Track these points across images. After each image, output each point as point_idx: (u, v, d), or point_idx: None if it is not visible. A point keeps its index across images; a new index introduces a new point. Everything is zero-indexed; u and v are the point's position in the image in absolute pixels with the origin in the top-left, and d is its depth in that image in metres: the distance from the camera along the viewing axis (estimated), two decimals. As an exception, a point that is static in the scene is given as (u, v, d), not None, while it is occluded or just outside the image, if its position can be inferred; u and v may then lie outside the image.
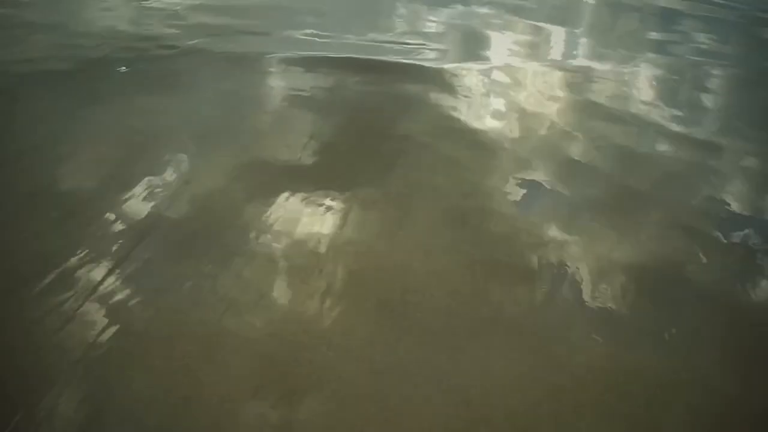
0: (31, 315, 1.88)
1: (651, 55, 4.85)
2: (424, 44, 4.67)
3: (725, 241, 2.62)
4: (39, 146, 2.79)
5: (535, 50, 4.91)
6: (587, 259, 2.39)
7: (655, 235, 2.62)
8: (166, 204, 2.45)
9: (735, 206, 2.88)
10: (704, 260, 2.50)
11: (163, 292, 2.04)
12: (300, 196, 2.58)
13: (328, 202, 2.56)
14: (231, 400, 1.68)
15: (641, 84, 4.27)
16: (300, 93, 3.55)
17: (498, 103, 3.75)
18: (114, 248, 2.18)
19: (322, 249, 2.29)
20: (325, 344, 1.89)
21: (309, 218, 2.46)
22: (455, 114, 3.51)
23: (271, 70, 3.84)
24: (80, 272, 2.05)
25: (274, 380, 1.76)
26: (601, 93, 4.01)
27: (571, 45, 5.13)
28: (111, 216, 2.35)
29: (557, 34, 5.29)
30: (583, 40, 5.22)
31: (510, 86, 4.03)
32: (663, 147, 3.38)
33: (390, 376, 1.81)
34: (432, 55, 4.44)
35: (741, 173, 3.22)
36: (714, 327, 2.15)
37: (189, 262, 2.17)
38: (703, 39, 5.41)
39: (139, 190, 2.52)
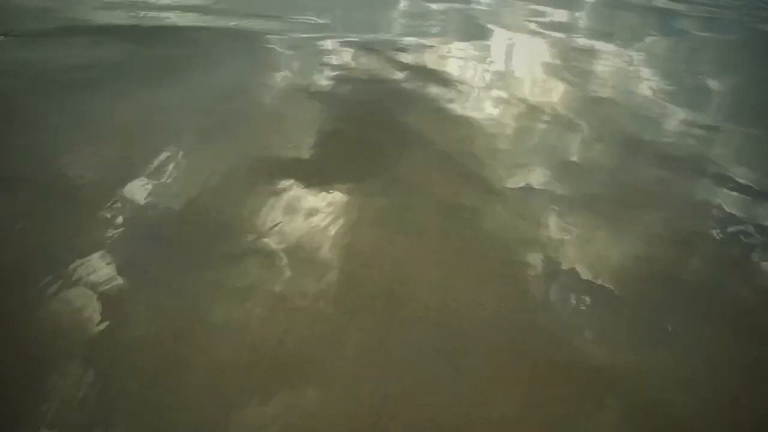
0: (30, 310, 1.86)
1: (650, 52, 4.85)
2: (425, 27, 4.71)
3: (725, 239, 2.62)
4: (38, 139, 2.75)
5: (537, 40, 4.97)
6: (584, 256, 2.39)
7: (654, 232, 2.62)
8: (166, 199, 2.43)
9: (733, 204, 2.88)
10: (705, 259, 2.51)
11: (162, 287, 2.02)
12: (299, 189, 2.56)
13: (325, 195, 2.55)
14: (226, 396, 1.67)
15: (639, 82, 4.28)
16: (300, 81, 3.51)
17: (498, 91, 3.76)
18: (113, 244, 2.16)
19: (321, 243, 2.28)
20: (324, 340, 1.88)
21: (307, 211, 2.44)
22: (454, 103, 3.54)
23: (272, 54, 3.81)
24: (79, 268, 2.03)
25: (271, 378, 1.75)
26: (599, 92, 4.02)
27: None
28: (110, 212, 2.32)
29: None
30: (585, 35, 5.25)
31: (510, 74, 4.06)
32: (662, 144, 3.39)
33: (385, 370, 1.80)
34: (433, 36, 4.48)
35: (738, 171, 3.22)
36: (715, 326, 2.15)
37: (188, 257, 2.15)
38: (700, 36, 5.43)
39: (139, 184, 2.49)
